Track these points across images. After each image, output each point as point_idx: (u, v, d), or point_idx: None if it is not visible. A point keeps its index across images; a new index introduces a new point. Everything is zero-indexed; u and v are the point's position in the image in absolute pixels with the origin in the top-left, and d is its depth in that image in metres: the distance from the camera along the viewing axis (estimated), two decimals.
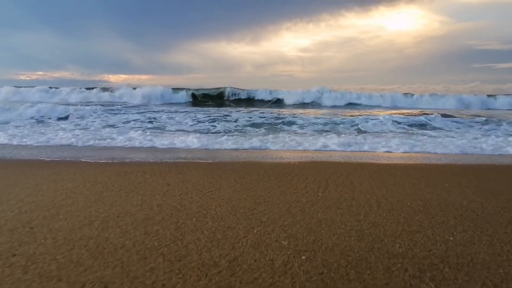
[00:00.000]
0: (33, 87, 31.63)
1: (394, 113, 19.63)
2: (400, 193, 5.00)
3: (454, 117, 17.88)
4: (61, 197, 4.62)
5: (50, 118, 14.96)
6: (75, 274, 2.77)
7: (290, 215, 4.06)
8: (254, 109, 22.48)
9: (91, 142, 9.70)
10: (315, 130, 13.24)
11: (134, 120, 15.34)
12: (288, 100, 31.91)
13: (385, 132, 12.88)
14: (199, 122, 15.02)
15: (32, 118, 14.83)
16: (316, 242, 3.33)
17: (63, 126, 13.40)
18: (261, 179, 5.69)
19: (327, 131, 13.16)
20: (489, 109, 30.10)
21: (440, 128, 14.16)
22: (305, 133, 12.38)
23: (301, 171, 6.34)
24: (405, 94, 33.49)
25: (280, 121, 15.44)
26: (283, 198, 4.69)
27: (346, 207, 4.36)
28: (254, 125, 14.50)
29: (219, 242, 3.34)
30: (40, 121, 14.97)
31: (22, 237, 3.40)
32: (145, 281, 2.69)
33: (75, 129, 12.41)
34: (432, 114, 17.94)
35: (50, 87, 32.28)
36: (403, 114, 19.31)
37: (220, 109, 22.68)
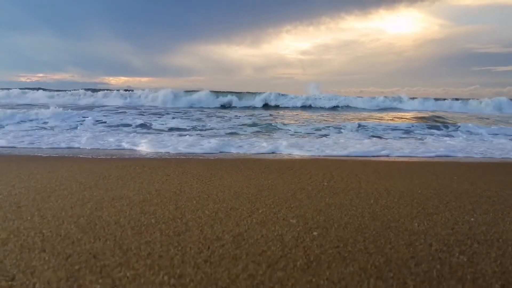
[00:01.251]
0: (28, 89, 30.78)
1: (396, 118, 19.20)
2: (408, 183, 4.65)
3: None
4: (55, 184, 4.25)
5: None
6: (61, 246, 2.41)
7: (296, 199, 3.70)
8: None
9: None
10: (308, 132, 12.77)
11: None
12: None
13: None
14: None
15: None
16: (328, 221, 2.98)
17: None
18: (263, 172, 5.34)
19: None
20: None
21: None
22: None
23: (303, 165, 6.00)
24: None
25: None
26: (287, 186, 4.34)
27: (355, 194, 4.00)
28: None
29: (222, 220, 2.98)
30: None
31: (8, 215, 3.04)
32: (140, 252, 2.33)
33: None
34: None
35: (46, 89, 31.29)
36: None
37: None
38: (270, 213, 3.17)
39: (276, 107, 28.63)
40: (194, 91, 30.32)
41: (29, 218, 2.96)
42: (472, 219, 3.13)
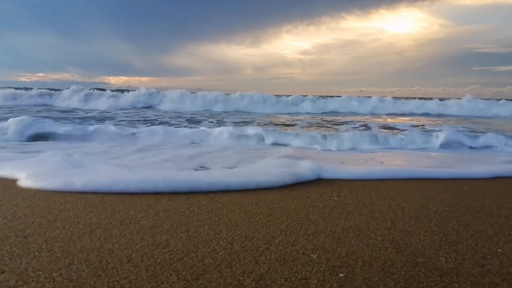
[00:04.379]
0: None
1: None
2: (420, 197, 4.47)
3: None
4: (59, 201, 4.03)
5: None
6: None
7: (311, 222, 3.51)
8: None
9: None
10: None
11: None
12: None
13: None
14: None
15: None
16: (350, 256, 2.77)
17: None
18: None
19: None
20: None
21: None
22: None
23: None
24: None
25: None
26: (298, 203, 4.14)
27: (368, 213, 3.81)
28: None
29: (239, 255, 2.77)
30: None
31: (14, 249, 2.82)
32: None
33: None
34: None
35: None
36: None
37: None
38: (288, 244, 2.98)
39: None
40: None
41: (37, 253, 2.75)
42: (499, 250, 2.94)
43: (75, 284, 2.32)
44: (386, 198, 4.42)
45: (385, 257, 2.75)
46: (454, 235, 3.25)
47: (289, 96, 28.99)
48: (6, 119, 9.57)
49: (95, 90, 28.08)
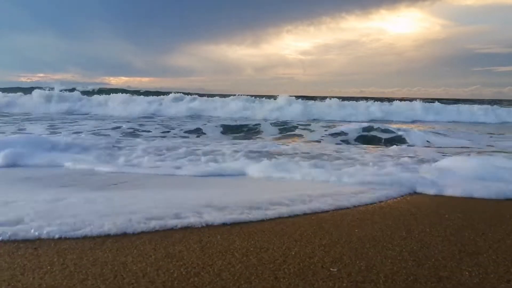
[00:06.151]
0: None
1: None
2: (429, 201, 4.39)
3: None
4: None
5: None
6: None
7: (325, 231, 3.41)
8: None
9: None
10: None
11: None
12: None
13: None
14: None
15: None
16: (370, 269, 2.66)
17: None
18: None
19: None
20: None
21: None
22: None
23: None
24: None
25: None
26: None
27: (381, 219, 3.72)
28: None
29: (256, 268, 2.66)
30: None
31: (25, 262, 2.69)
32: None
33: None
34: None
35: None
36: None
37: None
38: (305, 256, 2.87)
39: None
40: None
41: (49, 267, 2.63)
42: None
43: None
44: (395, 202, 4.32)
45: (407, 270, 2.65)
46: (471, 245, 3.15)
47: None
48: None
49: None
